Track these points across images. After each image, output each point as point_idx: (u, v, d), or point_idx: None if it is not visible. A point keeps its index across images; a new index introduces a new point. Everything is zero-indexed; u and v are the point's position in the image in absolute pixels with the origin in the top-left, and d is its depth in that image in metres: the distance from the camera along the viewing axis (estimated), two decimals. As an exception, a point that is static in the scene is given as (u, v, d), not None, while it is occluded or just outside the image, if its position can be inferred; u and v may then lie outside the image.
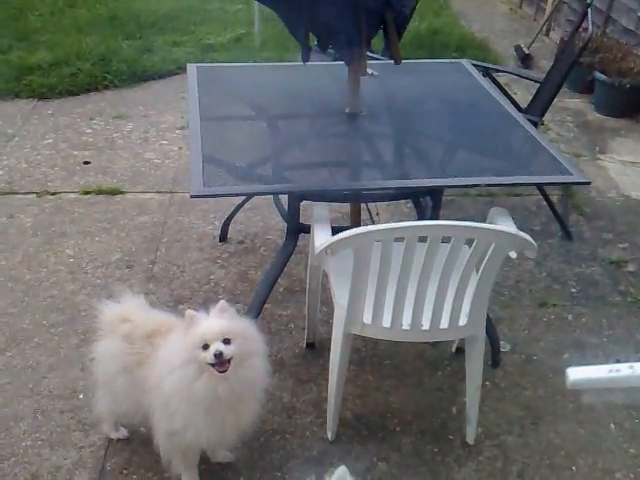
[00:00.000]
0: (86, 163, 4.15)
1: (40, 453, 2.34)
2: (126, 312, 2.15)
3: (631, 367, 1.24)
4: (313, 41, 2.88)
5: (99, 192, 3.84)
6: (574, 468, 2.36)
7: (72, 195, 3.83)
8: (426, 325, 2.21)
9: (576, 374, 1.25)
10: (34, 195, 3.82)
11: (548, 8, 6.27)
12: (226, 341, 1.90)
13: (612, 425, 2.52)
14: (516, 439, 2.46)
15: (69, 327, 2.88)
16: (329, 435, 2.42)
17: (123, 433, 2.38)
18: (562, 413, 2.57)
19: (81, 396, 2.54)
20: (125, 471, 2.29)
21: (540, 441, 2.45)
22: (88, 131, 4.54)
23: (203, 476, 2.23)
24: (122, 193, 3.85)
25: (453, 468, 2.34)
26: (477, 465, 2.35)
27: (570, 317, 3.04)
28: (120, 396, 2.16)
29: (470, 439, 2.42)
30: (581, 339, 2.92)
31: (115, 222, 3.60)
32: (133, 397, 2.10)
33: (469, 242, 2.09)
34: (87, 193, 3.84)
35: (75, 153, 4.26)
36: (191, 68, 3.23)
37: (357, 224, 2.94)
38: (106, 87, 5.14)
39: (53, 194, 3.83)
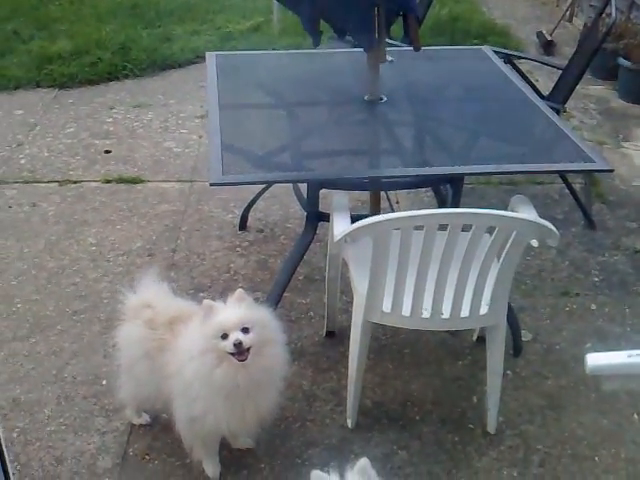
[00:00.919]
0: (107, 152, 4.17)
1: (64, 438, 2.37)
2: (149, 298, 2.17)
3: None
4: (329, 29, 2.86)
5: (120, 181, 3.87)
6: (596, 458, 2.34)
7: (94, 184, 3.86)
8: (446, 314, 2.20)
9: (595, 360, 1.25)
10: (56, 184, 3.85)
11: (571, -7, 6.16)
12: (245, 330, 1.91)
13: (635, 415, 2.49)
14: (537, 428, 2.44)
15: (92, 314, 2.91)
16: (349, 423, 2.42)
17: (145, 419, 2.40)
18: (584, 403, 2.55)
19: (104, 382, 2.57)
20: (147, 456, 2.31)
21: (562, 431, 2.44)
22: (109, 120, 4.56)
23: (224, 462, 2.26)
24: (143, 182, 3.87)
25: (474, 457, 2.33)
26: (498, 454, 2.34)
27: (593, 306, 3.01)
28: (142, 381, 2.18)
29: (491, 428, 2.41)
30: (604, 328, 2.89)
31: (136, 210, 3.62)
32: (154, 383, 2.12)
33: (490, 230, 2.07)
34: (108, 182, 3.86)
35: (96, 142, 4.29)
36: (210, 57, 3.23)
37: (377, 212, 2.93)
38: (126, 76, 5.15)
39: (75, 183, 3.86)
